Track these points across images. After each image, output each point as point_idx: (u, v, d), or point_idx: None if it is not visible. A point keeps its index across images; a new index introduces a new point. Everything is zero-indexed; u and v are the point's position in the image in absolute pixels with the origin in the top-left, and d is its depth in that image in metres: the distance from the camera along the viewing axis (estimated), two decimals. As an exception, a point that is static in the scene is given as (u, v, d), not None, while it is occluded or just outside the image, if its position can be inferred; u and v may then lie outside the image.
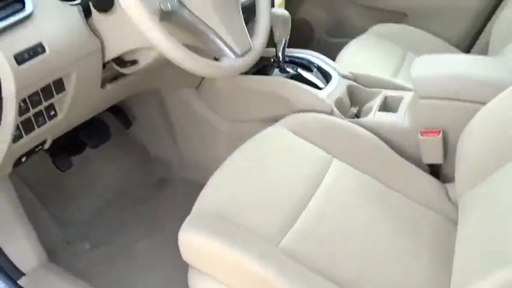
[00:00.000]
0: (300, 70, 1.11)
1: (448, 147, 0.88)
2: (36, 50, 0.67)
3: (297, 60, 1.16)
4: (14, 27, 0.65)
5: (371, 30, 1.43)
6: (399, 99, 1.02)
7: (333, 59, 1.27)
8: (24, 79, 0.67)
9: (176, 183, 1.35)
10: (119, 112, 1.32)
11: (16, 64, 0.65)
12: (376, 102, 1.02)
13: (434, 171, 0.92)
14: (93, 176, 1.30)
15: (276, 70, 1.12)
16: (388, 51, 1.33)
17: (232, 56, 0.73)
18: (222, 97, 1.16)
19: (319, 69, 1.15)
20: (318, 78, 1.11)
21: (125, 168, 1.36)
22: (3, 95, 0.66)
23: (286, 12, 1.06)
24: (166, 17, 0.67)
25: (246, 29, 0.77)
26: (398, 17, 1.53)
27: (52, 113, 0.80)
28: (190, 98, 1.19)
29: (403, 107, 0.99)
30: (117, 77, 0.92)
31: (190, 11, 0.68)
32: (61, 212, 1.19)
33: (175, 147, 1.33)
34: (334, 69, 1.13)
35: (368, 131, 0.94)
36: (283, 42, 1.09)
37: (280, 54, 1.11)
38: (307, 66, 1.14)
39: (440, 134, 0.86)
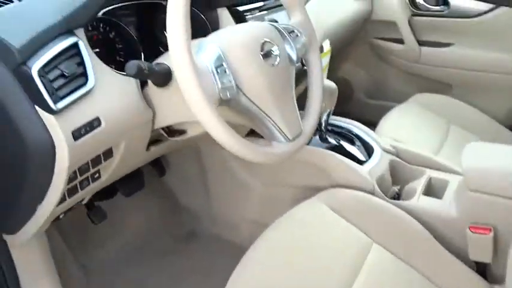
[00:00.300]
0: (342, 142, 1.09)
1: (498, 247, 0.83)
2: (93, 124, 0.67)
3: (338, 130, 1.14)
4: (75, 102, 0.65)
5: (413, 98, 1.41)
6: (445, 183, 0.98)
7: (371, 122, 1.25)
8: (78, 154, 0.67)
9: (204, 237, 1.32)
10: (155, 160, 1.33)
11: (73, 140, 0.64)
12: (421, 183, 0.98)
13: (481, 268, 0.87)
14: (122, 222, 1.29)
15: (316, 137, 1.10)
16: (431, 123, 1.30)
17: (283, 140, 0.72)
18: None
19: (360, 139, 1.13)
20: (359, 150, 1.09)
21: (154, 216, 1.35)
22: (56, 170, 0.66)
23: (333, 85, 1.06)
24: (223, 103, 0.67)
25: (298, 112, 0.76)
26: (442, 87, 1.51)
27: (96, 175, 0.80)
28: (228, 157, 1.18)
29: (449, 193, 0.95)
30: (160, 139, 0.92)
31: (247, 97, 0.68)
32: (87, 260, 1.19)
33: (206, 201, 1.31)
34: (377, 142, 1.10)
35: (411, 216, 0.90)
36: (328, 111, 1.09)
37: (323, 122, 1.10)
38: (349, 137, 1.12)
39: (492, 233, 0.82)
